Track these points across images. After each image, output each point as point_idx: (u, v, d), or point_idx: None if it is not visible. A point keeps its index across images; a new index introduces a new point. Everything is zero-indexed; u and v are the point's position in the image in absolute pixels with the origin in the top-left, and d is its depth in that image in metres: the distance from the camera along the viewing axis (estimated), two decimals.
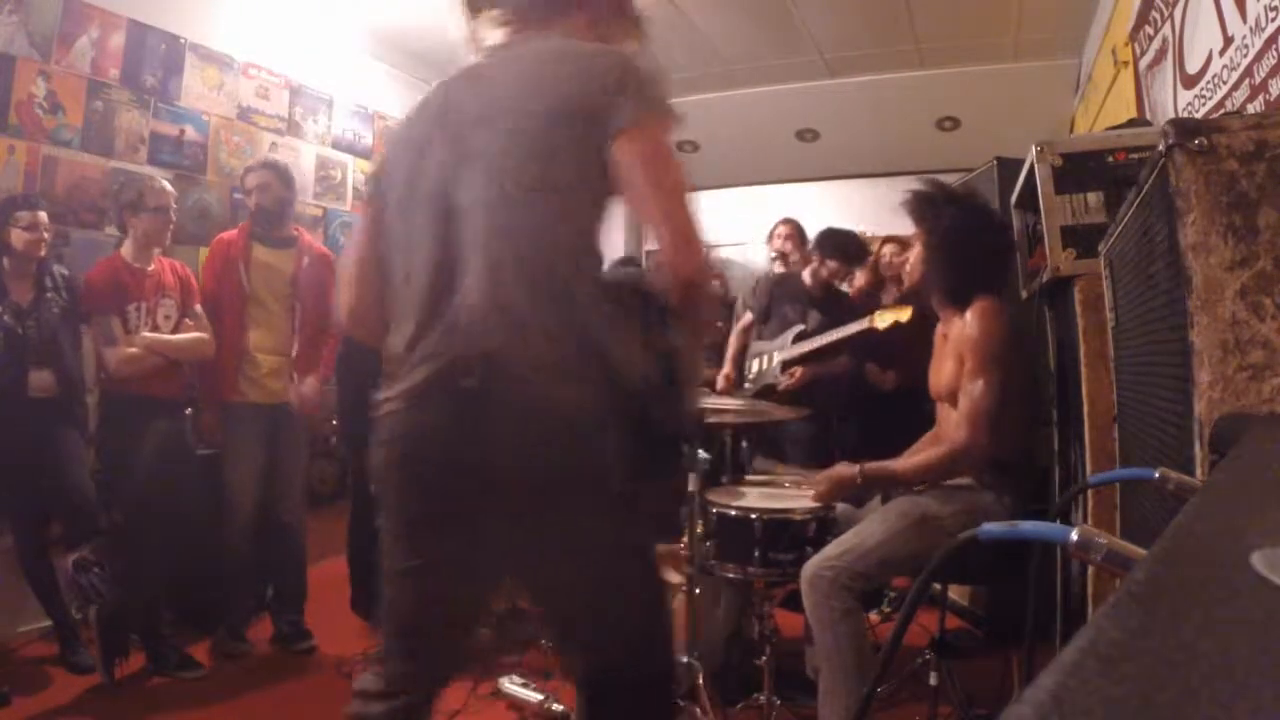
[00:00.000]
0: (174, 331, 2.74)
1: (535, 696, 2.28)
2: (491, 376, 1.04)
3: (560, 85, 1.09)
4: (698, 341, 1.14)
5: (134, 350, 2.62)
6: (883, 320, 2.92)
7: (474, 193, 1.10)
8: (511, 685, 2.35)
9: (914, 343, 2.49)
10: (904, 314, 2.80)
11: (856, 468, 1.96)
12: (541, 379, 1.04)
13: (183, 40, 3.56)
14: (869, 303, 3.57)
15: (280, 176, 2.96)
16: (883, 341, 3.02)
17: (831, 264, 3.36)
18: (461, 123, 1.14)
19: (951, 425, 1.94)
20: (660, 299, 1.07)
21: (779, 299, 3.50)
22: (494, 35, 1.22)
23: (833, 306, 3.42)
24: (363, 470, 1.74)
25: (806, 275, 3.48)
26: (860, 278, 3.70)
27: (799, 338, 3.34)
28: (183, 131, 3.56)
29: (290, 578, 2.97)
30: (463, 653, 1.26)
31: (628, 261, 4.33)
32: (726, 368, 3.53)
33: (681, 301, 1.05)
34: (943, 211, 1.97)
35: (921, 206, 2.01)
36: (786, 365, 3.29)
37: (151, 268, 2.71)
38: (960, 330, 1.93)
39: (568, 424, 1.04)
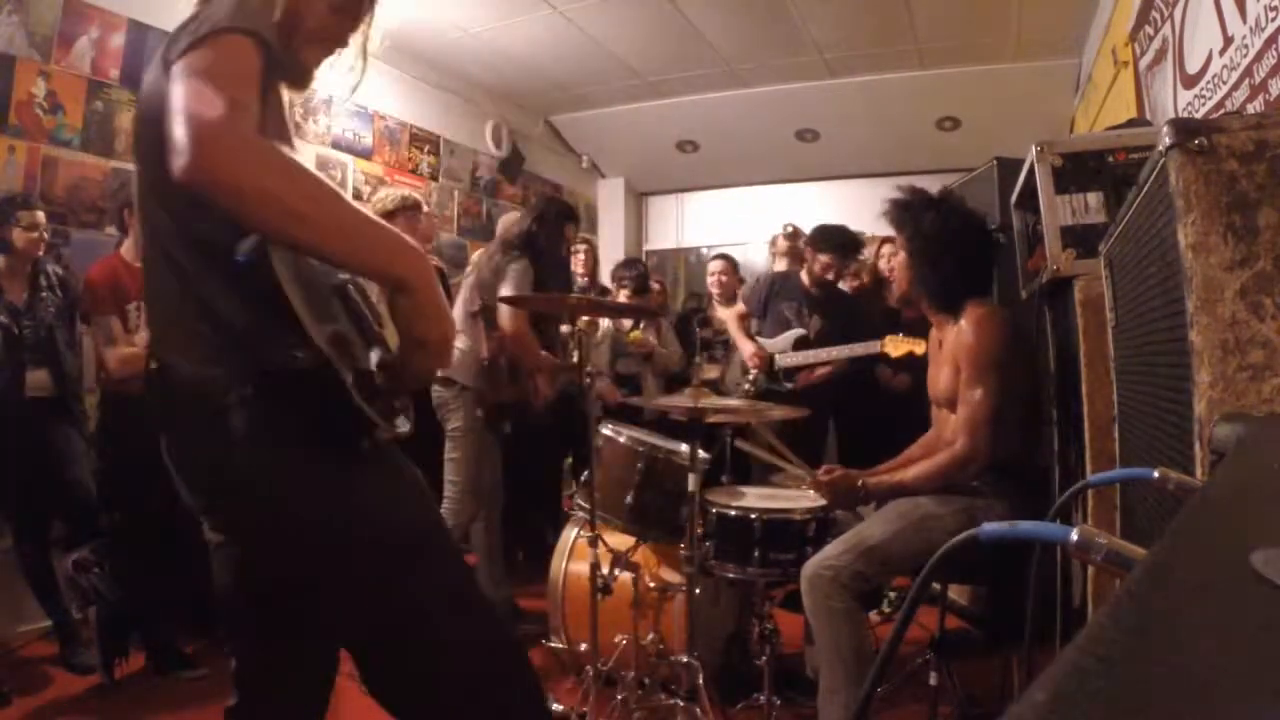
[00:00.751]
0: None
1: None
2: (159, 381, 1.07)
3: (164, 55, 1.01)
4: (317, 245, 0.92)
5: (134, 350, 2.61)
6: (896, 349, 2.93)
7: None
8: None
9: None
10: (919, 347, 2.79)
11: (860, 480, 1.95)
12: (182, 373, 1.02)
13: None
14: (870, 300, 3.57)
15: None
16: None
17: (823, 258, 3.35)
18: None
19: (950, 431, 1.94)
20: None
21: (776, 297, 3.49)
22: None
23: (832, 308, 3.42)
24: None
25: (804, 275, 3.47)
26: (863, 276, 3.71)
27: (800, 343, 3.35)
28: None
29: None
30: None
31: (630, 264, 4.34)
32: (749, 347, 3.49)
33: (215, 200, 0.84)
34: (921, 217, 1.96)
35: (900, 214, 2.00)
36: (787, 374, 3.33)
37: None
38: (956, 337, 1.92)
39: (199, 405, 1.01)
